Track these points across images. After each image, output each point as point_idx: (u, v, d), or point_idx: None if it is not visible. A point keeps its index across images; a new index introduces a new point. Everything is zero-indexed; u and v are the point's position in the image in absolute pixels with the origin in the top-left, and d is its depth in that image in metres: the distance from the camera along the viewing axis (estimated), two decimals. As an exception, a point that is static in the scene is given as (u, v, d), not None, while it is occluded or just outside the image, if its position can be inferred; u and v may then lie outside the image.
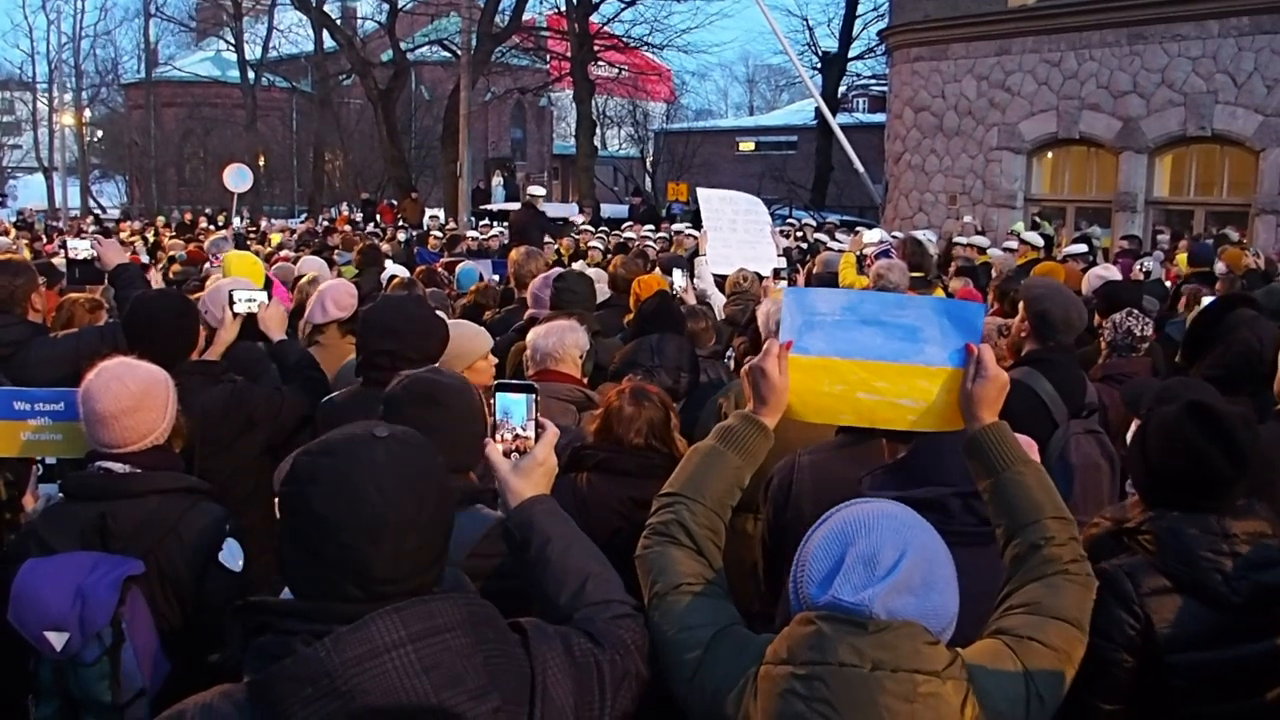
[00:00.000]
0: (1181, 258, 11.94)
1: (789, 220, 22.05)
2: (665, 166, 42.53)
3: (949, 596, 1.91)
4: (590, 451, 3.56)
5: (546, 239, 14.62)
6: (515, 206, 17.52)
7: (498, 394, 2.25)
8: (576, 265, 10.55)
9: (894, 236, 11.88)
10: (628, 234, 17.68)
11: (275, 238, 15.82)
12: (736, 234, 9.35)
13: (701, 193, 10.10)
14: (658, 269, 8.51)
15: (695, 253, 9.37)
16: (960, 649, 1.94)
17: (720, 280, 8.12)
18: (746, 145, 46.46)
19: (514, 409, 2.25)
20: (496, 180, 35.17)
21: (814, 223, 20.54)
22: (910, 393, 2.42)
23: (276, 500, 1.83)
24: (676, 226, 17.90)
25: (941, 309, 2.44)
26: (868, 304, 2.48)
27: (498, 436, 2.25)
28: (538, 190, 13.97)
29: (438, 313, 4.54)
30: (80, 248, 5.66)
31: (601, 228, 19.74)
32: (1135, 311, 5.30)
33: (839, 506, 2.02)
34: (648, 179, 42.67)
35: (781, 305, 2.52)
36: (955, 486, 2.47)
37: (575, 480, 3.50)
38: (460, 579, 2.06)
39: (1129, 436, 3.24)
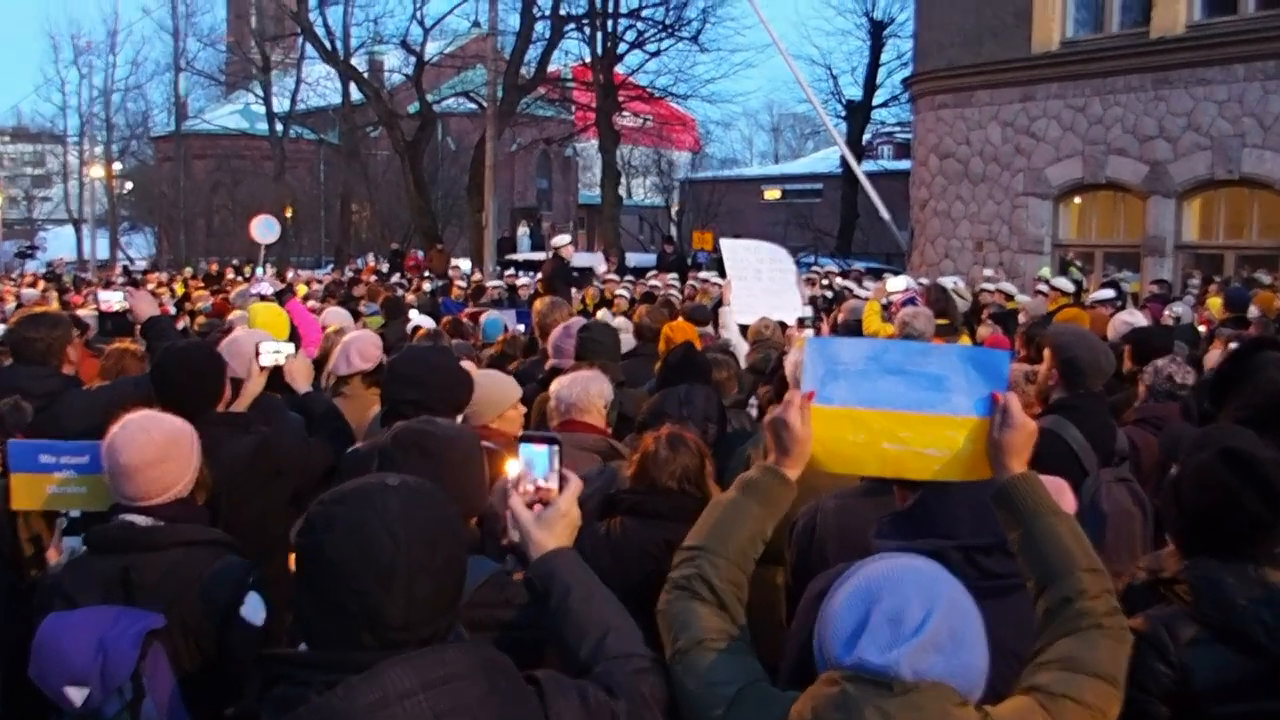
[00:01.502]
0: (1213, 301, 11.87)
1: (814, 268, 22.12)
2: (690, 215, 42.97)
3: (978, 654, 1.88)
4: (624, 495, 3.61)
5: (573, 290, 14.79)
6: (541, 256, 17.63)
7: (520, 445, 2.27)
8: (601, 314, 10.62)
9: (920, 283, 11.89)
10: (653, 282, 17.82)
11: (301, 289, 15.96)
12: (761, 283, 9.47)
13: (725, 244, 10.28)
14: (681, 317, 8.60)
15: (719, 302, 9.44)
16: (990, 708, 1.90)
17: (745, 330, 8.17)
18: (772, 193, 46.87)
19: (537, 461, 2.26)
20: (522, 230, 35.50)
21: (839, 270, 20.61)
22: (936, 442, 2.40)
23: (292, 553, 1.85)
24: (701, 275, 17.97)
25: (966, 357, 2.43)
26: (891, 353, 2.47)
27: (520, 488, 2.25)
28: (562, 239, 14.04)
29: (463, 363, 4.57)
30: (113, 300, 5.74)
31: (627, 277, 19.87)
32: (1179, 358, 5.29)
33: (863, 561, 2.00)
34: (673, 227, 43.00)
35: (805, 354, 2.53)
36: (958, 539, 2.45)
37: (608, 525, 3.54)
38: (458, 629, 2.05)
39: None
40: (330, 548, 1.76)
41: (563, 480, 2.26)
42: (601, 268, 20.21)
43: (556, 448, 2.25)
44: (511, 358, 7.74)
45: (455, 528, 1.88)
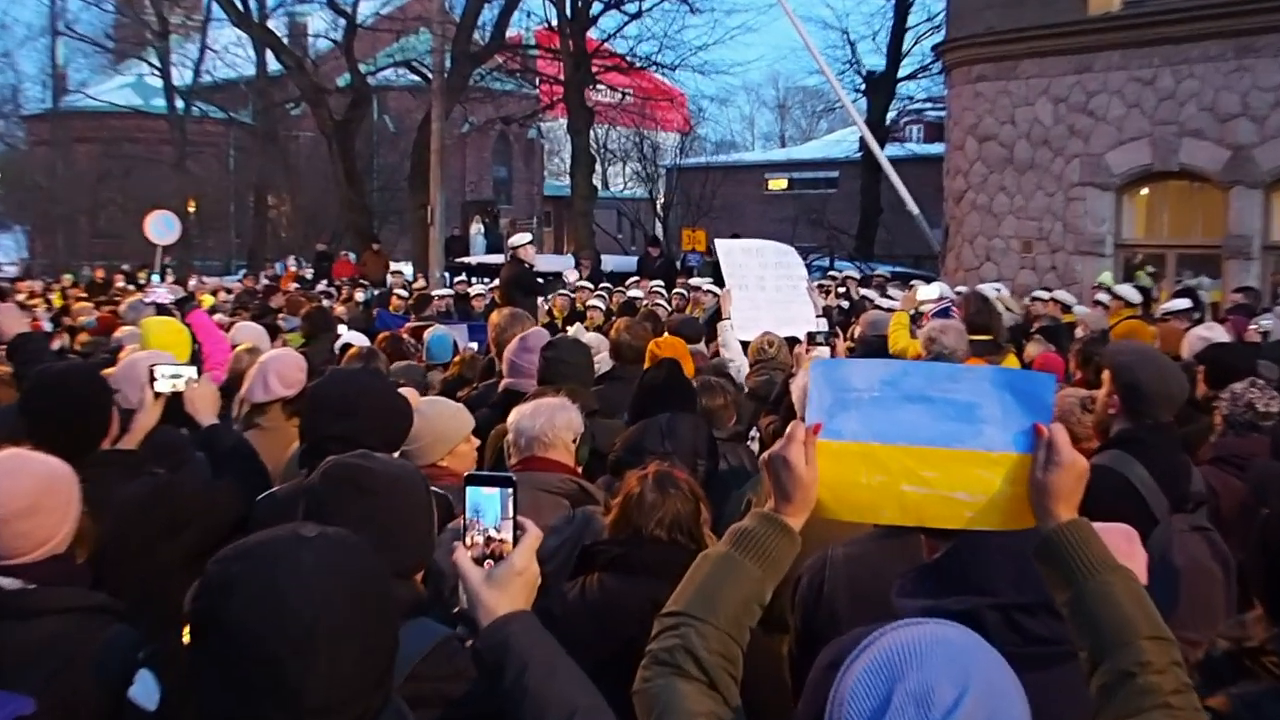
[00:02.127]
0: (1312, 313, 11.97)
1: (829, 273, 22.21)
2: (679, 209, 43.10)
3: (1020, 742, 1.84)
4: (604, 547, 3.66)
5: (544, 299, 14.88)
6: (499, 259, 17.67)
7: (468, 488, 2.26)
8: (572, 329, 10.64)
9: (956, 292, 11.95)
10: (634, 292, 17.89)
11: (207, 300, 15.94)
12: (765, 292, 9.64)
13: (720, 245, 10.43)
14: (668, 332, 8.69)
15: (716, 314, 9.55)
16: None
17: (746, 348, 8.24)
18: (777, 183, 47.18)
19: (487, 506, 2.25)
20: (476, 228, 35.40)
21: (859, 276, 20.70)
22: (966, 484, 2.41)
23: (186, 621, 1.85)
24: (693, 281, 18.04)
25: (1003, 381, 2.45)
26: (913, 377, 2.49)
27: (468, 539, 2.25)
28: (521, 239, 14.08)
29: (403, 390, 4.62)
30: (-31, 315, 5.70)
31: (603, 284, 19.90)
32: (1259, 381, 5.31)
33: (882, 628, 1.98)
34: (658, 225, 42.99)
35: (811, 378, 2.56)
36: (994, 596, 2.46)
37: (583, 583, 3.59)
38: (399, 707, 2.06)
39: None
40: (233, 614, 1.77)
41: (518, 529, 2.26)
42: (572, 274, 20.23)
43: (510, 490, 2.25)
44: (468, 382, 7.82)
45: (385, 586, 1.89)
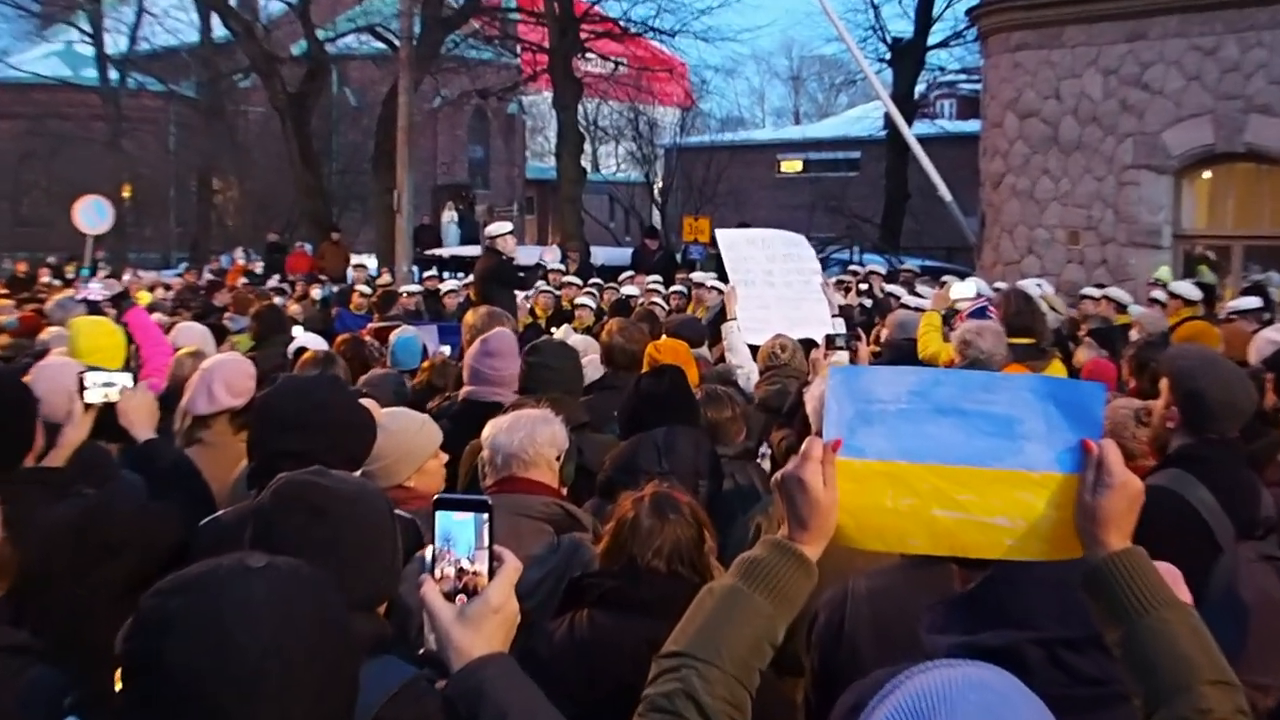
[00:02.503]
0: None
1: (850, 267, 22.20)
2: (679, 195, 42.89)
3: (1062, 798, 1.82)
4: (595, 580, 3.68)
5: (525, 296, 14.85)
6: (475, 251, 17.68)
7: (437, 513, 2.24)
8: (559, 332, 10.64)
9: (994, 289, 11.94)
10: (628, 289, 17.92)
11: (144, 297, 15.90)
12: (774, 289, 9.69)
13: (722, 236, 10.52)
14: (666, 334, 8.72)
15: (721, 314, 9.57)
16: None
17: (756, 352, 8.28)
18: (791, 165, 47.22)
19: (459, 533, 2.24)
20: (449, 216, 35.35)
21: (884, 270, 20.67)
22: (1005, 508, 2.41)
23: (118, 663, 1.84)
24: (696, 276, 18.02)
25: (1046, 391, 2.44)
26: (945, 386, 2.49)
27: (437, 571, 2.24)
28: (500, 228, 14.05)
29: (364, 401, 4.63)
30: (-124, 315, 5.70)
31: (593, 279, 19.94)
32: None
33: (910, 670, 1.96)
34: (655, 213, 42.88)
35: (829, 388, 2.55)
36: (1037, 630, 2.46)
37: (571, 620, 3.61)
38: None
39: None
40: (172, 653, 1.76)
41: (495, 561, 2.25)
42: (550, 254, 20.08)
43: (486, 515, 2.24)
44: (439, 391, 7.85)
45: (344, 622, 1.89)
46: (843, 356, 7.04)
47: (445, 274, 24.26)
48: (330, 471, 3.04)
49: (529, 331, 12.90)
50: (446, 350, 9.38)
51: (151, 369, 7.45)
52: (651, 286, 17.77)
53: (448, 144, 52.67)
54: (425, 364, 8.41)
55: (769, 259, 9.92)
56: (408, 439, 4.79)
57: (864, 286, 17.96)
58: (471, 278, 15.55)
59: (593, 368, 7.77)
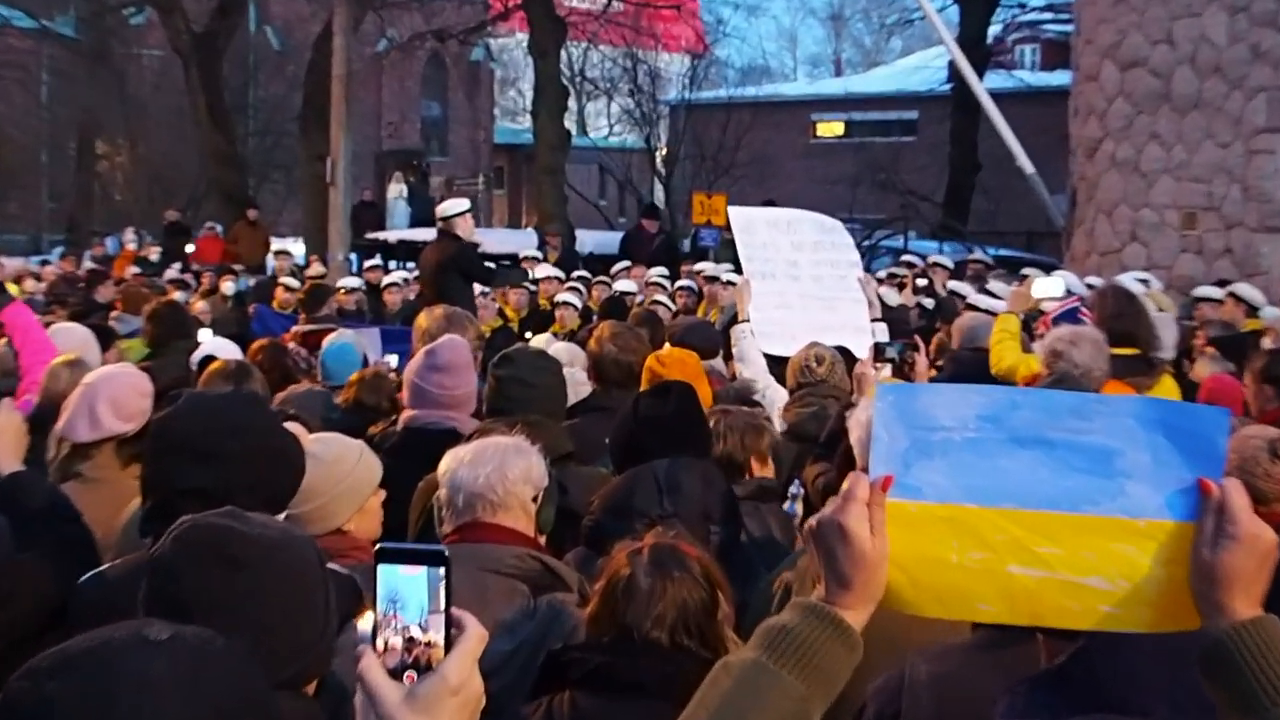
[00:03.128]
0: None
1: (905, 258, 22.16)
2: (688, 166, 43.06)
3: None
4: (580, 654, 3.69)
5: (481, 293, 14.81)
6: (429, 235, 17.45)
7: (380, 566, 2.21)
8: (536, 339, 10.73)
9: (1089, 286, 11.89)
10: (623, 283, 18.07)
11: (11, 288, 15.84)
12: (800, 283, 9.69)
13: (736, 215, 10.52)
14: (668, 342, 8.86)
15: (733, 318, 9.59)
16: None
17: (779, 366, 8.29)
18: (830, 128, 47.55)
19: (408, 594, 2.20)
20: (397, 190, 35.41)
21: (948, 263, 20.57)
22: (1101, 565, 2.39)
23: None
24: (706, 268, 17.94)
25: (1154, 417, 2.42)
26: (1025, 410, 2.48)
27: (380, 641, 2.20)
28: (455, 206, 13.93)
29: (289, 425, 4.64)
30: None
31: (578, 272, 19.99)
32: None
33: None
34: (658, 187, 42.93)
35: (876, 411, 2.55)
36: (1145, 716, 2.46)
37: (552, 705, 3.62)
38: None
39: None
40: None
41: (453, 628, 2.21)
42: (532, 249, 20.17)
43: (442, 571, 2.20)
44: (375, 412, 7.84)
45: (265, 708, 1.91)
46: (887, 374, 7.12)
47: (391, 264, 24.25)
48: (247, 514, 3.03)
49: (499, 336, 13.19)
50: (392, 361, 9.33)
51: (31, 382, 7.47)
52: (654, 281, 17.70)
53: (396, 99, 52.89)
54: (354, 377, 8.35)
55: (794, 246, 9.83)
56: (344, 472, 4.82)
57: (922, 282, 17.95)
58: (422, 268, 15.27)
59: (578, 384, 7.78)
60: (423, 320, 7.97)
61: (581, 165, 41.27)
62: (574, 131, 36.57)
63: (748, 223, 10.17)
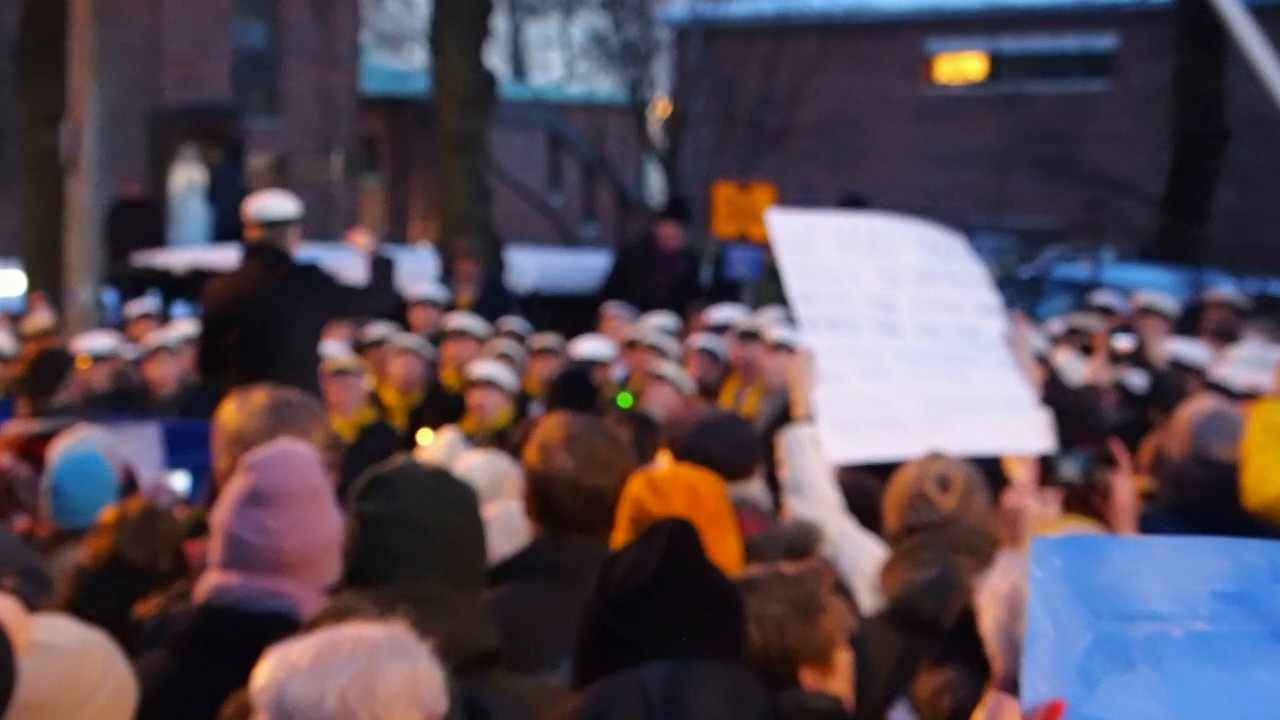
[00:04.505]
0: None
1: (1094, 297, 16.16)
2: (705, 133, 30.29)
3: None
4: None
5: (339, 370, 11.15)
6: (228, 256, 13.23)
7: None
8: (436, 446, 8.30)
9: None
10: (588, 345, 13.36)
11: None
12: (899, 338, 7.51)
13: (781, 226, 7.62)
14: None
15: (784, 409, 7.44)
16: None
17: (864, 497, 6.63)
18: (960, 65, 33.50)
19: None
20: (187, 178, 28.02)
21: (1170, 306, 14.44)
22: None
23: None
24: (736, 318, 13.65)
25: None
26: None
27: None
28: (275, 210, 10.23)
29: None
30: None
31: (511, 324, 15.17)
32: None
33: None
34: (652, 172, 34.23)
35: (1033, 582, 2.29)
36: None
37: None
38: None
39: None
40: None
41: None
42: (429, 281, 15.84)
43: None
44: (148, 576, 6.20)
45: None
46: (1051, 513, 5.90)
47: (178, 308, 18.43)
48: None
49: (371, 438, 10.49)
50: (179, 483, 8.04)
51: None
52: (646, 343, 12.87)
53: (186, 19, 35.07)
54: (108, 515, 6.55)
55: (886, 277, 7.45)
56: (66, 677, 3.99)
57: (1125, 342, 12.85)
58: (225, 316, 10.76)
59: (509, 527, 6.19)
60: (232, 413, 6.00)
61: (519, 133, 31.11)
62: (506, 74, 29.79)
63: (801, 237, 7.61)
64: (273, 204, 10.28)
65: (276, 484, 5.06)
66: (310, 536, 5.05)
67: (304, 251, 10.63)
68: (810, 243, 7.47)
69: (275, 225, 9.95)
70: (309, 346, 9.99)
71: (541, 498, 5.84)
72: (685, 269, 18.59)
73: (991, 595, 4.27)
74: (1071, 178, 26.14)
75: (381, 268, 10.95)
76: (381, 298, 11.16)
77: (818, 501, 6.67)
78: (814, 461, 6.76)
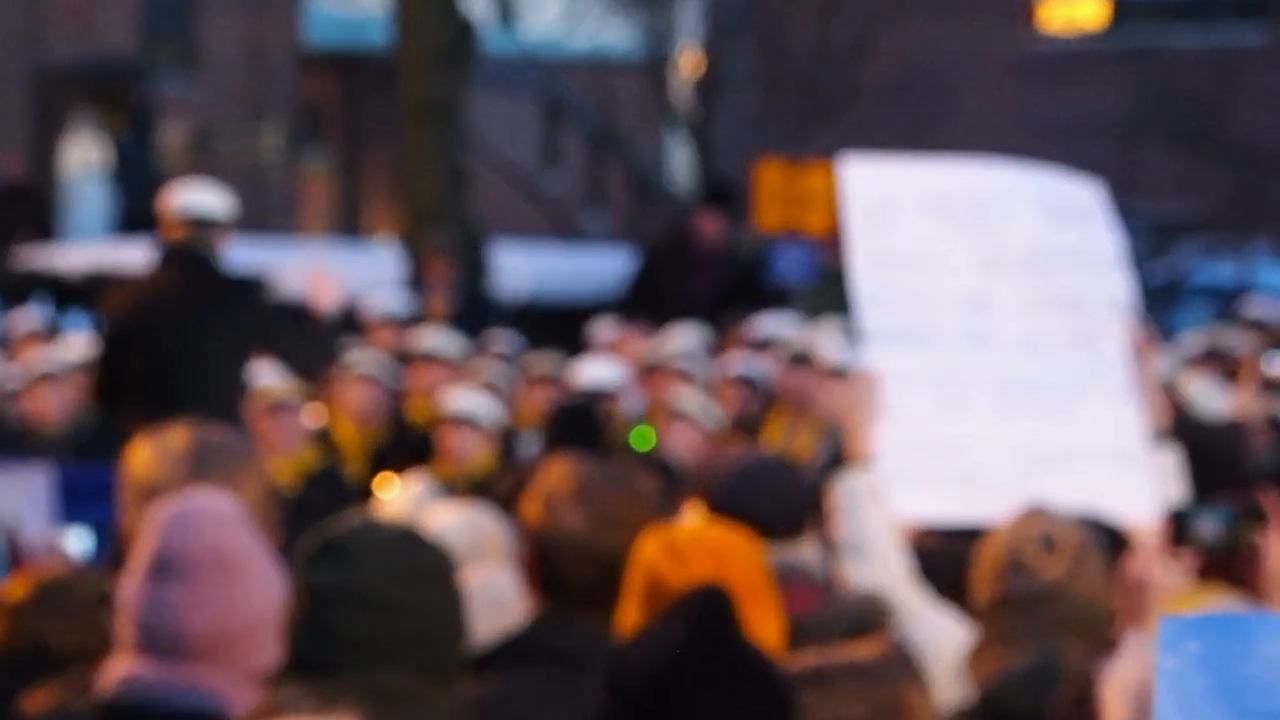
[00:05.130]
0: None
1: (1242, 307, 14.80)
2: (746, 99, 26.73)
3: None
4: None
5: (274, 404, 9.94)
6: (135, 256, 12.53)
7: None
8: (400, 498, 7.76)
9: None
10: (597, 369, 12.17)
11: None
12: (987, 350, 6.36)
13: (853, 182, 6.21)
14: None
15: (839, 450, 6.51)
16: None
17: (933, 549, 6.03)
18: (1072, 10, 28.74)
19: None
20: (82, 155, 26.67)
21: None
22: None
23: None
24: (784, 333, 12.46)
25: None
26: None
27: None
28: (200, 206, 9.17)
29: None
30: None
31: (498, 342, 13.99)
32: None
33: None
34: (677, 149, 30.88)
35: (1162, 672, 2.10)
36: None
37: None
38: None
39: None
40: None
41: None
42: (389, 298, 14.61)
43: None
44: (38, 661, 5.57)
45: None
46: (1173, 584, 5.07)
47: (72, 320, 16.25)
48: None
49: (316, 488, 9.28)
50: (76, 543, 7.78)
51: None
52: (670, 367, 11.58)
53: None
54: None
55: (980, 260, 6.22)
56: None
57: None
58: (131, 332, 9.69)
59: (495, 601, 5.83)
60: (144, 459, 5.32)
61: (505, 98, 27.95)
62: (489, 23, 25.38)
63: (879, 202, 6.31)
64: (199, 198, 9.28)
65: (178, 551, 4.32)
66: (224, 614, 4.31)
67: (233, 248, 9.37)
68: (891, 211, 6.28)
69: (202, 225, 8.95)
70: (233, 375, 8.99)
71: (545, 565, 5.24)
72: (728, 273, 16.68)
73: (1119, 689, 4.10)
74: (1216, 154, 23.05)
75: (331, 327, 9.91)
76: (320, 352, 9.97)
77: (882, 562, 6.02)
78: (874, 516, 6.04)
